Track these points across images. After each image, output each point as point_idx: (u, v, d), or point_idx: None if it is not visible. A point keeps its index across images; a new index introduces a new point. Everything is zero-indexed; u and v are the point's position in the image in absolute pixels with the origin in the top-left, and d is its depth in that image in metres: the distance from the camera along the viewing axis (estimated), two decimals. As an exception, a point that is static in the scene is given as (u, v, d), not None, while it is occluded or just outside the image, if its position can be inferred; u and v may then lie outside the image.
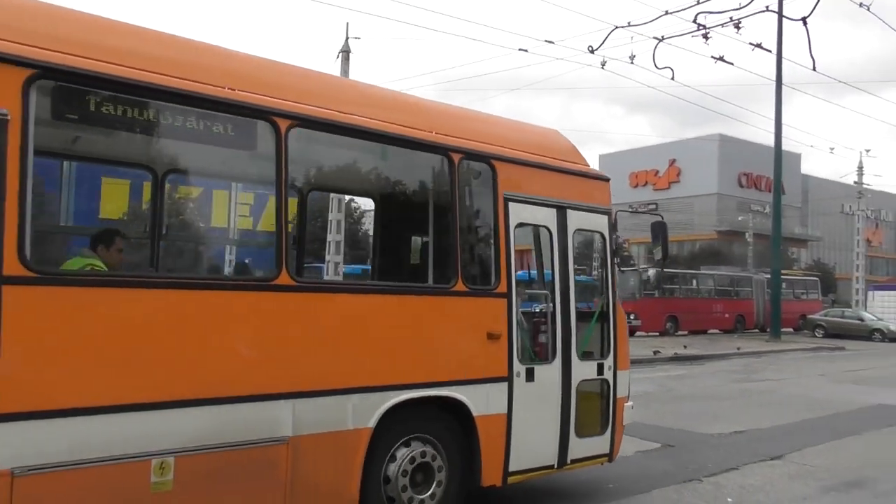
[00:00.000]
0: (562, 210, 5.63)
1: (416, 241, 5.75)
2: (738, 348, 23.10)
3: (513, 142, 5.54)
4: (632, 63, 10.46)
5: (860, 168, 39.04)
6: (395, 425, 4.55)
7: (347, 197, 18.20)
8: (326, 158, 5.51)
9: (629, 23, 10.61)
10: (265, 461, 3.98)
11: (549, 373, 5.40)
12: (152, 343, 3.65)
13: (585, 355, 5.77)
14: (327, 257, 16.28)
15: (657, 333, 29.84)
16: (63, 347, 3.37)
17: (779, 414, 10.86)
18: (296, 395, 4.09)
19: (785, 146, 30.16)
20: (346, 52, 18.52)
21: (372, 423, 4.40)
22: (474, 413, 4.88)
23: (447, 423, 4.89)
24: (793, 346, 25.48)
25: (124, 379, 3.54)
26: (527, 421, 5.16)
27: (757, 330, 33.19)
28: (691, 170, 71.81)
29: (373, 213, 5.66)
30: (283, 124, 4.11)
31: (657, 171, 75.36)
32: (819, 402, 12.08)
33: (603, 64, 11.84)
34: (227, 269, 5.66)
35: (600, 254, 6.24)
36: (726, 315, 32.66)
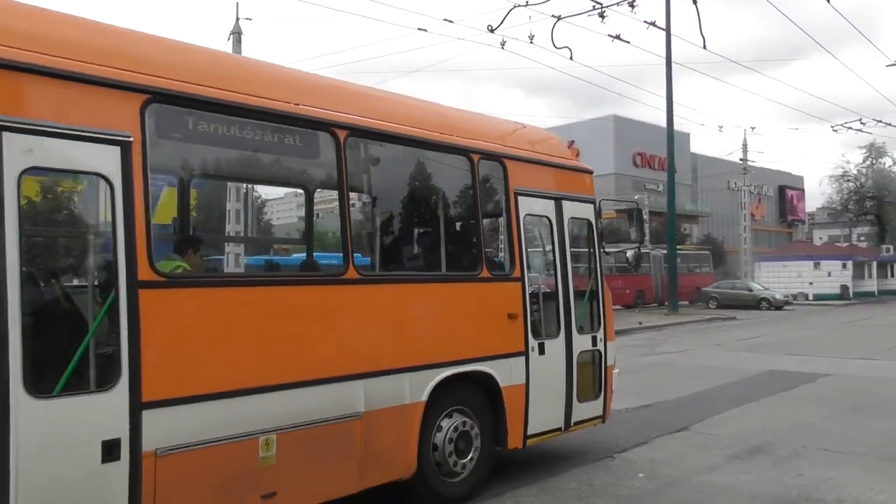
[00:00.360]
0: (559, 201, 6.39)
1: (448, 233, 6.43)
2: (640, 323, 23.89)
3: (517, 140, 6.33)
4: (531, 43, 10.39)
5: (745, 146, 41.19)
6: (440, 399, 5.21)
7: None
8: (376, 164, 6.04)
9: (527, 2, 10.55)
10: (344, 434, 4.62)
11: (556, 346, 6.20)
12: (254, 333, 4.19)
13: (581, 329, 6.48)
14: (227, 248, 15.52)
15: (563, 312, 30.47)
16: (187, 341, 3.88)
17: (682, 385, 11.21)
18: (366, 376, 4.73)
19: (676, 126, 31.28)
20: (237, 34, 17.83)
21: (424, 396, 5.06)
22: (501, 385, 5.62)
23: (478, 395, 5.59)
24: (690, 319, 26.63)
25: (237, 367, 4.08)
26: (541, 389, 5.95)
27: (656, 304, 34.53)
28: (589, 150, 72.79)
29: (406, 210, 6.54)
30: (341, 135, 4.72)
31: (557, 153, 76.89)
32: (717, 371, 12.59)
33: (502, 44, 11.74)
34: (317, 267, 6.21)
35: (587, 238, 6.84)
36: (627, 291, 33.78)
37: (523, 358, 5.81)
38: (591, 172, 6.89)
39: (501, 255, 6.10)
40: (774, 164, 74.61)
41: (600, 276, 6.75)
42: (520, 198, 5.90)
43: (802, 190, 75.99)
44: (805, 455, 6.76)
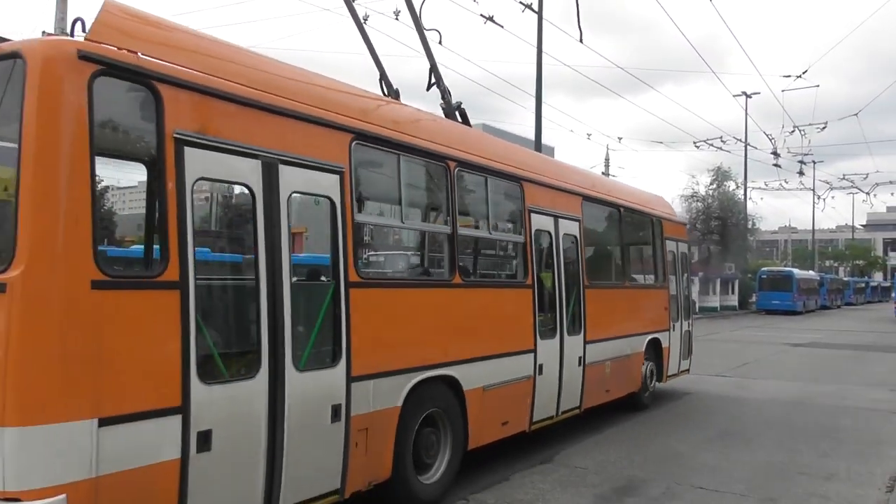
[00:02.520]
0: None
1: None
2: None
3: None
4: (397, 19, 9.24)
5: (607, 159, 42.47)
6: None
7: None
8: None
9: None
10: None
11: (679, 327, 10.99)
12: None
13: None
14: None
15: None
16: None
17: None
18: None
19: (542, 139, 31.33)
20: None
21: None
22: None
23: None
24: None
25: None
26: (676, 347, 10.93)
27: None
28: (459, 159, 74.09)
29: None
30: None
31: (428, 160, 76.71)
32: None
33: (365, 18, 10.53)
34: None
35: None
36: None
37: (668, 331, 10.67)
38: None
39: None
40: (633, 179, 78.23)
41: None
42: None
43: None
44: (680, 495, 6.00)
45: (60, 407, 3.16)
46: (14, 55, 3.29)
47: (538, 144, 29.11)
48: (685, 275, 11.64)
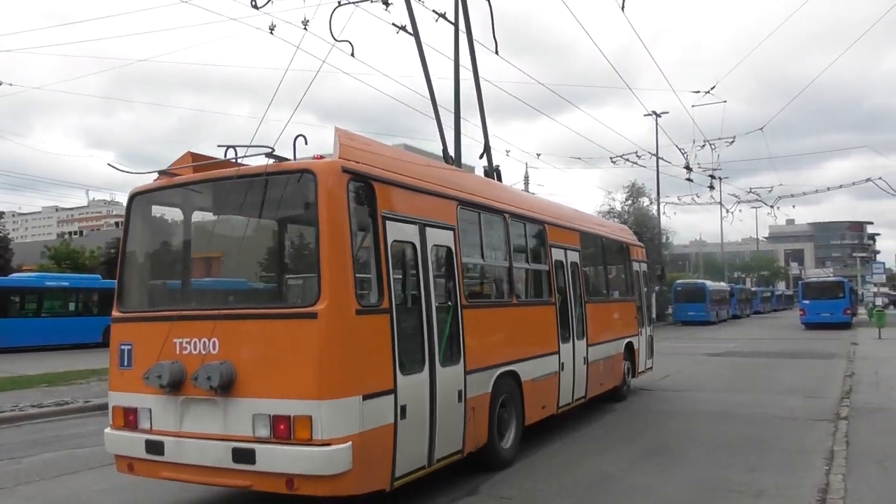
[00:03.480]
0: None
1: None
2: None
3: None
4: (305, 29, 8.73)
5: (526, 177, 42.89)
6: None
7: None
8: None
9: (306, -5, 9.04)
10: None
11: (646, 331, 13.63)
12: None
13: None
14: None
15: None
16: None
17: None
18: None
19: (462, 158, 31.34)
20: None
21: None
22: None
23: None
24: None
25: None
26: (643, 347, 13.44)
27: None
28: (380, 179, 73.52)
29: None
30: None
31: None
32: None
33: (272, 28, 9.95)
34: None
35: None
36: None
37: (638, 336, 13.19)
38: (643, 246, 13.62)
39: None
40: (552, 196, 79.41)
41: (643, 291, 13.56)
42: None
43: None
44: (612, 523, 5.69)
45: (347, 388, 5.17)
46: (306, 170, 5.39)
47: (458, 160, 29.05)
48: (646, 289, 14.22)
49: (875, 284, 63.86)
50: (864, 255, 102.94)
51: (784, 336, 31.92)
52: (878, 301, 53.46)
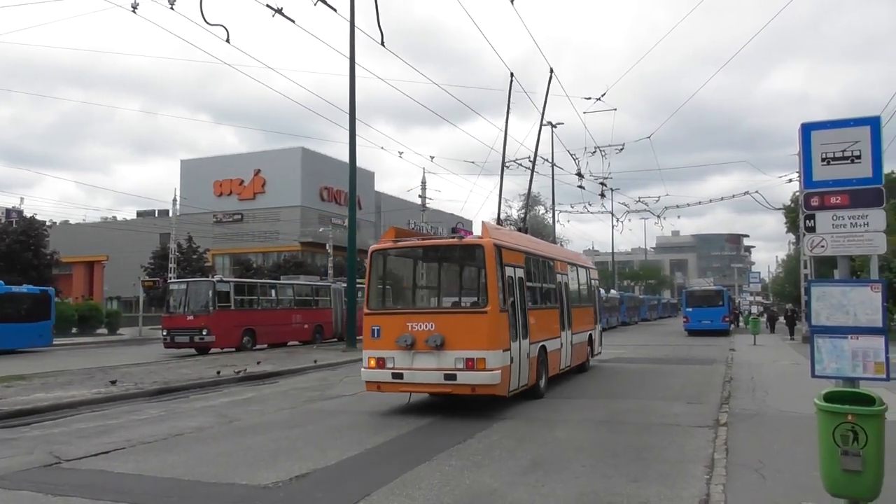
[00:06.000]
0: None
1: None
2: (315, 361, 22.13)
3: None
4: (171, 8, 7.90)
5: (423, 183, 42.64)
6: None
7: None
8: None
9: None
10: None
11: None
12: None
13: (594, 323, 19.91)
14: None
15: (233, 349, 27.52)
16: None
17: (350, 440, 9.48)
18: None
19: (363, 164, 30.74)
20: None
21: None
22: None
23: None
24: (367, 355, 25.51)
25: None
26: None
27: (336, 339, 33.20)
28: (276, 181, 71.54)
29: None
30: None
31: (242, 181, 73.34)
32: (389, 421, 11.14)
33: (134, 7, 8.98)
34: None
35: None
36: (305, 326, 31.93)
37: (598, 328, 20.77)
38: (595, 268, 21.91)
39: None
40: (448, 204, 79.70)
41: (599, 299, 21.93)
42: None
43: (471, 232, 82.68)
44: (489, 546, 5.29)
45: (497, 345, 11.39)
46: (478, 245, 11.94)
47: (353, 170, 28.35)
48: (598, 296, 21.52)
49: (751, 293, 67.91)
50: (741, 265, 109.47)
51: (669, 342, 33.08)
52: (754, 309, 56.79)
